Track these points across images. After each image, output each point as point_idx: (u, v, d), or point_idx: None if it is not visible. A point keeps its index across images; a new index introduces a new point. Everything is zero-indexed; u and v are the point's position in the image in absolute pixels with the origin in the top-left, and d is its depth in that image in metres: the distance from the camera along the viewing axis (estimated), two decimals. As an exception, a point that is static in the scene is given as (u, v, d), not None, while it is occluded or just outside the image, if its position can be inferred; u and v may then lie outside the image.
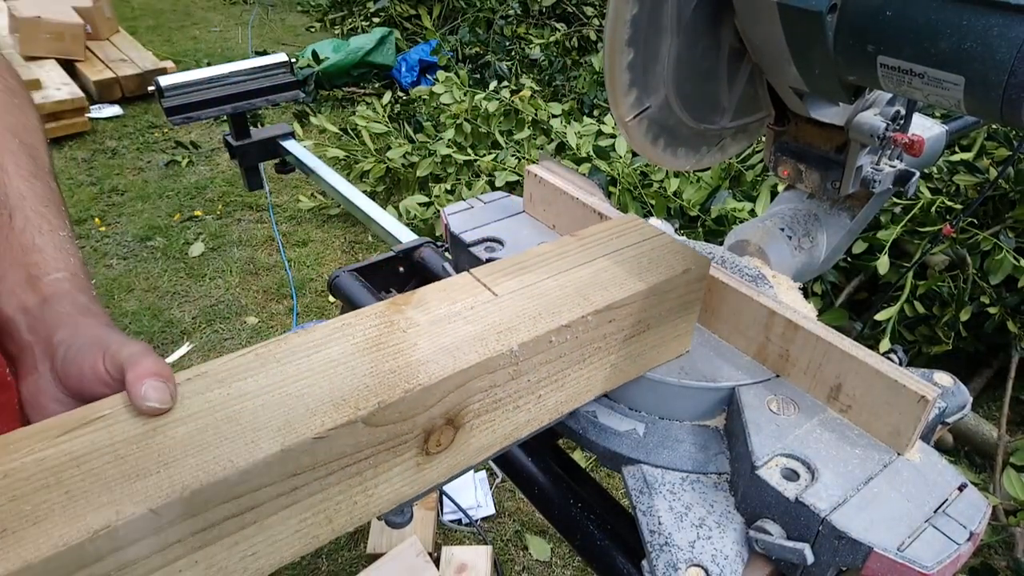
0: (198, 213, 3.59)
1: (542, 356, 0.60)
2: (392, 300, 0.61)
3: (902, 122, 0.80)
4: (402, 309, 0.60)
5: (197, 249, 3.32)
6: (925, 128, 0.96)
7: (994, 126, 2.43)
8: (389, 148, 3.40)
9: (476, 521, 2.09)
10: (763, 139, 0.85)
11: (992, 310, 2.17)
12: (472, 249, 0.92)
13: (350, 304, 1.02)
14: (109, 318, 0.60)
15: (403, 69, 4.63)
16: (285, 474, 0.47)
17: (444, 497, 2.12)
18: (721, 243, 0.98)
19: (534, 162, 0.96)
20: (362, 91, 4.67)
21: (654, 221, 0.98)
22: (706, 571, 0.59)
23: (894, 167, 0.83)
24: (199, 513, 0.44)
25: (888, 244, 2.16)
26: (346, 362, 0.54)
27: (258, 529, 0.48)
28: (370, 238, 3.38)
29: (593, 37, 4.42)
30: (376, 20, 5.32)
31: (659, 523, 0.63)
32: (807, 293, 2.27)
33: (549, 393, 0.63)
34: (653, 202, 2.54)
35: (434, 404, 0.54)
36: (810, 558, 0.57)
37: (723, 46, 0.68)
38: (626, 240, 0.72)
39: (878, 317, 2.16)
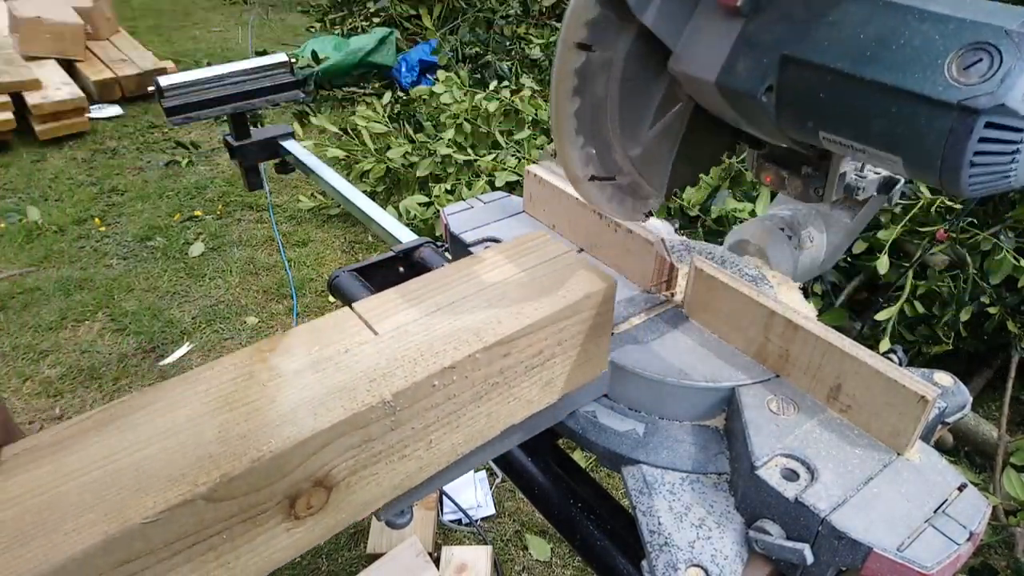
0: (198, 213, 3.59)
1: (425, 402, 0.54)
2: (257, 346, 0.55)
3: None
4: (266, 357, 0.54)
5: (197, 249, 3.32)
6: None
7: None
8: (389, 148, 3.40)
9: (476, 521, 2.09)
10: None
11: (992, 310, 2.17)
12: (472, 249, 0.92)
13: (350, 304, 1.02)
14: None
15: (403, 69, 4.63)
16: (114, 563, 0.42)
17: (444, 497, 2.12)
18: (721, 243, 0.98)
19: (534, 162, 0.96)
20: (362, 91, 4.67)
21: (654, 221, 0.98)
22: (706, 571, 0.59)
23: (878, 174, 0.83)
24: None
25: (888, 244, 2.16)
26: (191, 428, 0.48)
27: None
28: (370, 238, 3.38)
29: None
30: (376, 20, 5.31)
31: (659, 523, 0.63)
32: (807, 293, 2.27)
33: (442, 436, 0.58)
34: (653, 202, 2.53)
35: (293, 469, 0.48)
36: (810, 558, 0.57)
37: (659, 87, 0.67)
38: (526, 262, 0.66)
39: (878, 317, 2.16)
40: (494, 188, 2.99)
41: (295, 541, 0.52)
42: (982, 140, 0.46)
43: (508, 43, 4.43)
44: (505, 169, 3.02)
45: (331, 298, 2.80)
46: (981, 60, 0.46)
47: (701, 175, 0.78)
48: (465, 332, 0.57)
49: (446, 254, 1.11)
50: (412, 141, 3.45)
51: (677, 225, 0.99)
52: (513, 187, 2.96)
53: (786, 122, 0.57)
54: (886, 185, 0.84)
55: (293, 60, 1.82)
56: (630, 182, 0.71)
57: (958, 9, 0.48)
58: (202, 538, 0.46)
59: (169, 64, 4.96)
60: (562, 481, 0.79)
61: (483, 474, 2.23)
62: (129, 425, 0.48)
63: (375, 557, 1.88)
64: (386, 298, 0.62)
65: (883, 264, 2.13)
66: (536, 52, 4.22)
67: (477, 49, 4.45)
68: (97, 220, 3.51)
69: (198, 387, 0.52)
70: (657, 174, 0.72)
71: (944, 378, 0.76)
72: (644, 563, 0.63)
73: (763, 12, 0.56)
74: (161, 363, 2.68)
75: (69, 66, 4.66)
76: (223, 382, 0.52)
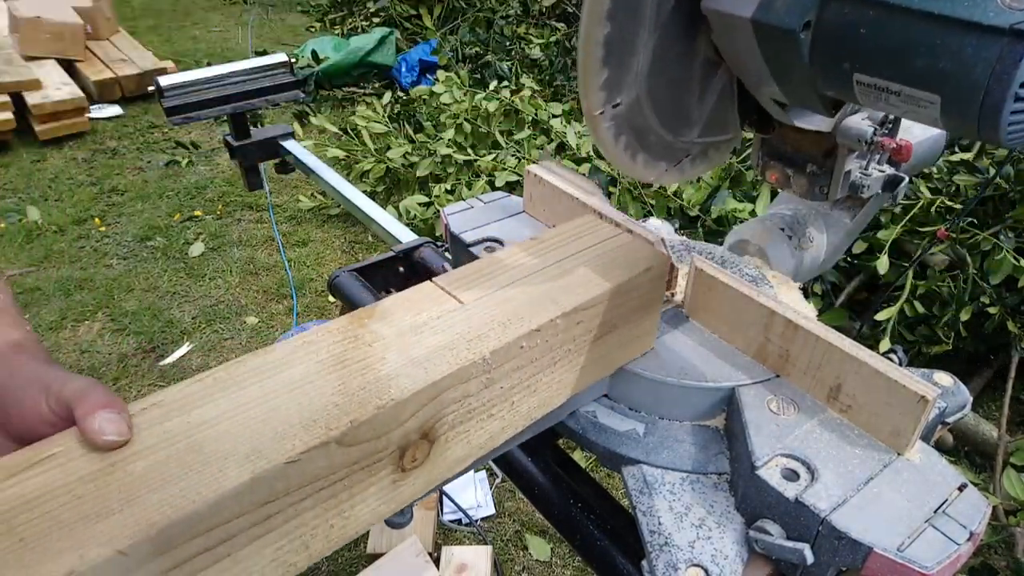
0: (198, 213, 3.59)
1: (514, 362, 0.59)
2: (354, 314, 0.59)
3: (890, 127, 0.79)
4: (365, 323, 0.58)
5: (197, 249, 3.32)
6: (925, 128, 0.96)
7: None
8: (389, 148, 3.40)
9: (476, 521, 2.09)
10: (751, 143, 0.84)
11: (992, 310, 2.17)
12: (472, 249, 0.92)
13: (350, 304, 1.02)
14: (47, 353, 0.56)
15: (403, 69, 4.63)
16: (257, 503, 0.45)
17: (444, 497, 2.12)
18: (721, 243, 0.98)
19: (534, 162, 0.96)
20: (362, 91, 4.67)
21: (654, 221, 0.98)
22: (706, 571, 0.59)
23: (883, 172, 0.83)
24: (168, 551, 0.42)
25: (888, 244, 2.16)
26: (312, 381, 0.51)
27: (232, 562, 0.46)
28: (370, 238, 3.38)
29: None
30: (376, 20, 5.31)
31: (659, 523, 0.63)
32: (807, 293, 2.27)
33: (522, 399, 0.62)
34: (653, 202, 2.54)
35: (408, 418, 0.52)
36: (810, 558, 0.57)
37: (698, 55, 0.67)
38: (587, 241, 0.71)
39: (878, 317, 2.16)
40: (494, 188, 2.99)
41: (398, 494, 0.56)
42: None
43: (508, 43, 4.43)
44: (505, 169, 3.02)
45: (331, 298, 2.80)
46: None
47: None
48: (544, 300, 0.62)
49: (446, 254, 1.11)
50: (412, 141, 3.45)
51: (677, 225, 0.99)
52: (513, 187, 2.95)
53: (820, 65, 0.56)
54: (890, 183, 0.84)
55: (293, 60, 1.82)
56: (702, 148, 0.73)
57: None
58: (328, 483, 0.49)
59: (169, 64, 4.96)
60: (562, 481, 0.79)
61: (483, 474, 2.23)
62: (250, 381, 0.51)
63: (375, 557, 1.88)
64: (461, 273, 0.66)
65: (883, 264, 2.13)
66: (536, 52, 4.22)
67: (477, 49, 4.45)
68: (97, 220, 3.51)
69: (308, 348, 0.55)
70: (728, 126, 0.73)
71: (944, 378, 0.76)
72: (644, 563, 0.63)
73: None
74: (161, 363, 2.68)
75: (69, 66, 4.66)
76: (330, 343, 0.56)
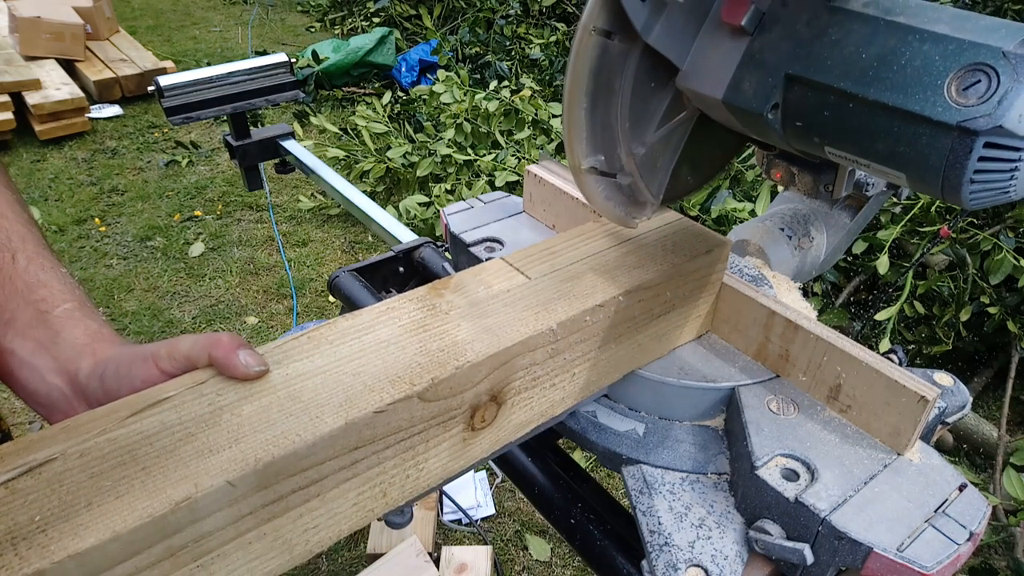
0: (198, 213, 3.59)
1: (577, 335, 0.63)
2: (432, 285, 0.64)
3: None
4: (442, 293, 0.63)
5: (197, 249, 3.32)
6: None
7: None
8: (389, 148, 3.40)
9: (476, 521, 2.09)
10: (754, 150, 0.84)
11: (992, 310, 2.17)
12: (472, 249, 0.92)
13: (350, 304, 1.02)
14: (121, 337, 0.61)
15: (403, 69, 4.63)
16: (347, 447, 0.50)
17: (444, 497, 2.12)
18: (721, 243, 0.98)
19: (534, 162, 0.96)
20: (362, 91, 4.67)
21: (654, 221, 0.98)
22: (706, 571, 0.60)
23: None
24: (270, 486, 0.47)
25: (888, 244, 2.16)
26: (396, 342, 0.56)
27: (321, 503, 0.51)
28: (370, 238, 3.38)
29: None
30: (376, 20, 5.32)
31: (659, 523, 0.63)
32: (807, 293, 2.27)
33: (582, 372, 0.66)
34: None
35: (480, 380, 0.56)
36: (810, 558, 0.57)
37: (668, 91, 0.66)
38: (649, 224, 0.74)
39: (878, 317, 2.16)
40: (494, 188, 2.99)
41: (466, 451, 0.60)
42: (981, 159, 0.47)
43: (508, 43, 4.43)
44: (505, 169, 3.02)
45: (331, 298, 2.80)
46: (979, 81, 0.47)
47: (702, 185, 0.78)
48: (606, 278, 0.66)
49: (446, 254, 1.11)
50: (412, 141, 3.45)
51: (677, 225, 0.98)
52: (513, 187, 2.96)
53: (792, 137, 0.59)
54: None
55: (293, 60, 1.82)
56: (629, 184, 0.70)
57: (958, 29, 0.49)
58: (408, 435, 0.54)
59: (169, 64, 4.96)
60: (562, 481, 0.79)
61: (483, 474, 2.23)
62: (341, 341, 0.56)
63: (375, 557, 1.88)
64: (528, 252, 0.70)
65: (883, 264, 2.13)
66: (536, 52, 4.22)
67: (477, 49, 4.45)
68: (97, 220, 3.51)
69: (391, 314, 0.60)
70: (657, 179, 0.72)
71: (944, 378, 0.76)
72: (644, 563, 0.63)
73: (768, 30, 0.57)
74: (161, 363, 2.68)
75: (69, 66, 4.66)
76: (411, 311, 0.60)
